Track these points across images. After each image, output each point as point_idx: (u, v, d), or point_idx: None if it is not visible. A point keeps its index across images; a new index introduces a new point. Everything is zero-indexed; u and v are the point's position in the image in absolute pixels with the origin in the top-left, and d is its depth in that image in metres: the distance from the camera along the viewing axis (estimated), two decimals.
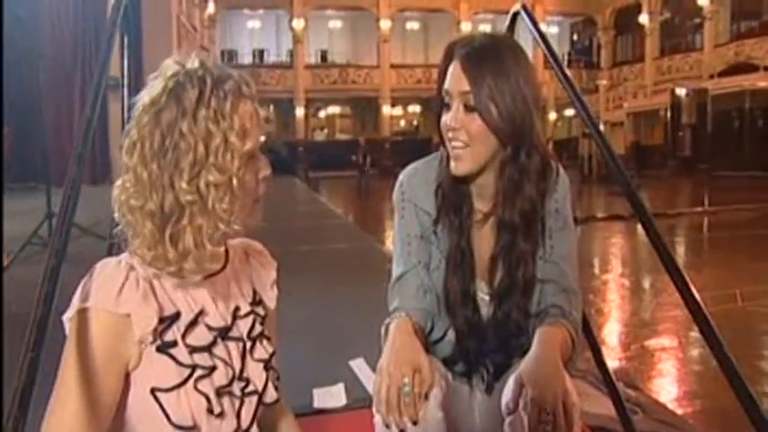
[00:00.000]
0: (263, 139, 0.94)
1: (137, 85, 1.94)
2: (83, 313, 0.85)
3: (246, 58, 28.29)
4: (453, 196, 1.29)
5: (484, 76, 1.19)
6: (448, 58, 1.25)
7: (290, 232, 6.96)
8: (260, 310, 1.03)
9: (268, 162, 0.95)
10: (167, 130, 0.86)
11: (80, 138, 1.07)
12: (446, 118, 1.24)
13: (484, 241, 1.31)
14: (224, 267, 1.00)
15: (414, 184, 1.34)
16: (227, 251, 1.01)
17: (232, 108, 0.87)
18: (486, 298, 1.31)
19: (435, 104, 1.28)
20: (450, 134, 1.23)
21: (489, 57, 1.21)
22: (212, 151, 0.86)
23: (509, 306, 1.28)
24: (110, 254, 1.62)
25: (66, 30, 11.82)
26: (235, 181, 0.87)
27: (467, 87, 1.20)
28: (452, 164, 1.25)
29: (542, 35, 1.55)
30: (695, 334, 4.40)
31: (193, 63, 0.90)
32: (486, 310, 1.31)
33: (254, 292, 1.03)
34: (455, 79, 1.22)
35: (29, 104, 8.93)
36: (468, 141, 1.22)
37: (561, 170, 1.33)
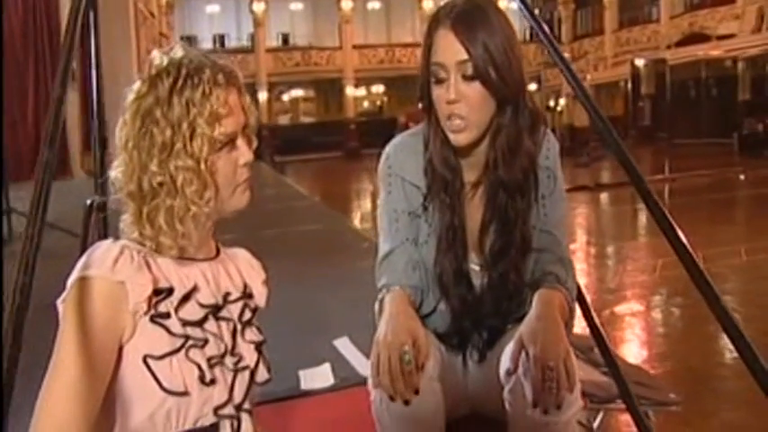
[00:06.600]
0: (253, 123, 0.99)
1: (97, 73, 1.87)
2: (81, 282, 0.87)
3: (206, 44, 27.62)
4: (444, 173, 1.24)
5: (479, 40, 1.15)
6: (434, 29, 1.19)
7: (259, 216, 6.91)
8: (250, 302, 1.05)
9: (249, 148, 0.98)
10: (145, 116, 0.91)
11: (51, 119, 1.04)
12: (440, 92, 1.18)
13: (474, 212, 1.28)
14: (215, 258, 1.03)
15: (401, 156, 1.29)
16: (218, 248, 1.05)
17: (204, 96, 0.91)
18: (477, 268, 1.28)
19: (422, 80, 1.22)
20: (447, 109, 1.18)
21: (479, 19, 1.17)
22: (180, 137, 0.90)
23: (505, 267, 1.25)
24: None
25: (13, 15, 11.35)
26: (203, 166, 0.91)
27: (464, 56, 1.15)
28: (452, 136, 1.20)
29: (527, 6, 1.49)
30: (660, 298, 4.54)
31: (176, 53, 0.95)
32: (478, 281, 1.28)
33: (245, 286, 1.05)
34: (449, 50, 1.16)
35: None
36: (468, 112, 1.17)
37: (549, 131, 1.31)
